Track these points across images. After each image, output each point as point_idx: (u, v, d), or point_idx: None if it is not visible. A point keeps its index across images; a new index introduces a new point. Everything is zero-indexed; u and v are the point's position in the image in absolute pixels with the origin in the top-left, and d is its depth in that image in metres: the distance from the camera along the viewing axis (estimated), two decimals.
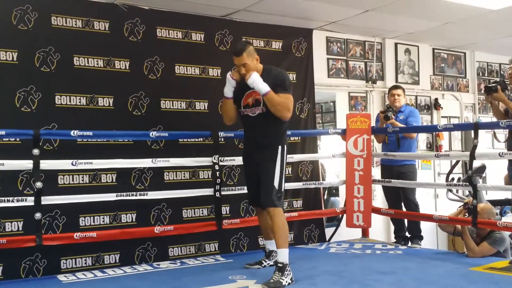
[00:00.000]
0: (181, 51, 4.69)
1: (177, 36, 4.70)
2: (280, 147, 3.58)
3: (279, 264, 3.40)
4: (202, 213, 4.67)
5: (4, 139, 3.79)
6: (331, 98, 6.36)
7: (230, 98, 3.70)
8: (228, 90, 3.69)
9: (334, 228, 5.37)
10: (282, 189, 3.57)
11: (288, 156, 4.78)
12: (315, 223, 5.26)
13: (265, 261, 3.93)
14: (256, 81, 3.45)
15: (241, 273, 3.71)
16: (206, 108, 4.81)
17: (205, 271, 3.97)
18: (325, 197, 6.54)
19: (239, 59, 3.54)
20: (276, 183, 3.51)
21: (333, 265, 4.00)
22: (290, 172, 5.12)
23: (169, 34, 4.66)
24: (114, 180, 4.31)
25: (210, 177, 4.61)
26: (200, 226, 4.45)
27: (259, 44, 5.12)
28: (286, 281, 3.34)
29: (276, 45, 5.25)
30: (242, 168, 4.02)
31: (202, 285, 3.41)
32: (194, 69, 4.76)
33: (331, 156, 5.32)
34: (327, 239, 5.29)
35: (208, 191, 4.41)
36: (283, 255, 3.42)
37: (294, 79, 5.29)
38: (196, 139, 4.59)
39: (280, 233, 3.46)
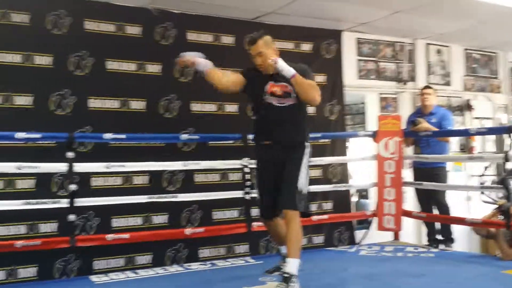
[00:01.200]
0: (211, 54, 4.66)
1: (207, 39, 4.73)
2: (307, 144, 3.36)
3: (285, 275, 3.13)
4: (232, 215, 4.69)
5: (39, 142, 3.87)
6: (361, 99, 6.32)
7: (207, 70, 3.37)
8: (204, 65, 3.36)
9: (365, 230, 5.32)
10: (305, 192, 3.27)
11: (317, 158, 4.84)
12: (345, 226, 5.22)
13: (284, 265, 3.86)
14: (282, 65, 3.18)
15: (271, 275, 3.70)
16: (236, 111, 4.83)
17: (235, 272, 3.98)
18: (356, 200, 6.50)
19: (254, 48, 3.28)
20: (300, 185, 3.24)
21: (363, 268, 3.96)
22: (320, 174, 5.10)
23: (199, 38, 4.70)
24: (146, 182, 4.36)
25: (239, 179, 4.61)
26: (230, 228, 4.46)
27: (289, 46, 5.11)
28: None
29: (306, 47, 5.24)
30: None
31: (232, 286, 3.43)
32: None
33: (361, 158, 5.27)
34: (357, 241, 5.25)
35: (237, 193, 4.42)
36: (292, 265, 3.15)
37: (324, 80, 5.26)
38: (226, 142, 4.60)
39: (293, 241, 3.19)
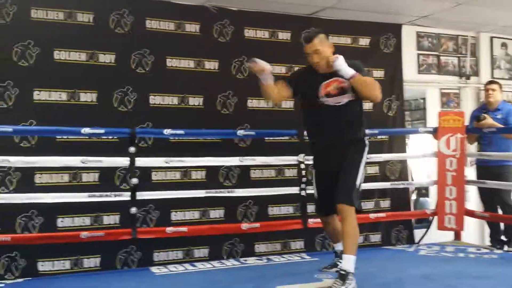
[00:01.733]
0: (268, 50, 4.73)
1: (264, 35, 4.76)
2: (366, 139, 3.33)
3: (341, 272, 3.12)
4: (288, 211, 4.70)
5: (103, 137, 4.03)
6: (421, 95, 6.16)
7: (268, 83, 3.33)
8: (267, 78, 3.31)
9: (424, 230, 5.18)
10: (360, 189, 3.26)
11: (375, 155, 4.75)
12: (404, 224, 5.11)
13: (340, 262, 3.80)
14: (342, 63, 3.16)
15: (327, 272, 3.68)
16: (292, 107, 4.83)
17: (291, 268, 3.98)
18: (415, 198, 6.34)
19: (310, 46, 3.25)
20: (358, 181, 3.23)
21: (423, 268, 3.85)
22: (377, 172, 5.02)
23: (256, 34, 4.73)
24: (203, 177, 4.44)
25: (295, 175, 4.62)
26: (286, 224, 4.48)
27: (346, 41, 5.06)
28: None
29: (364, 41, 5.16)
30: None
31: (288, 282, 3.43)
32: (281, 68, 4.78)
33: (421, 155, 5.14)
34: (416, 241, 5.13)
35: (293, 190, 4.43)
36: (348, 262, 3.13)
37: (382, 76, 5.17)
38: (282, 138, 4.61)
39: (350, 237, 3.17)
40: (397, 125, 5.25)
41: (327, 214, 3.51)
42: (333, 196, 3.26)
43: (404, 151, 5.36)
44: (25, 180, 3.86)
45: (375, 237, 4.99)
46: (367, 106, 4.96)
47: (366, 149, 3.33)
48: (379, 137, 4.95)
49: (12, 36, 3.91)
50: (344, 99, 3.26)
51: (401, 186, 5.05)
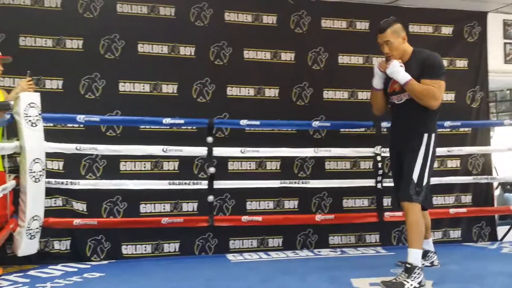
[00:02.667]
0: (345, 40, 4.68)
1: (341, 25, 4.69)
2: (426, 135, 3.24)
3: (407, 265, 3.13)
4: (363, 204, 4.64)
5: (182, 127, 4.17)
6: (507, 85, 5.83)
7: (379, 90, 3.47)
8: (378, 82, 3.45)
9: (509, 227, 4.94)
10: (423, 183, 3.20)
11: (456, 148, 4.58)
12: (486, 221, 4.89)
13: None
14: (395, 71, 3.21)
15: (402, 267, 3.61)
16: (368, 98, 4.73)
17: (366, 262, 3.95)
18: (498, 193, 6.04)
19: (382, 36, 3.28)
20: (415, 176, 3.19)
21: (505, 266, 3.69)
22: (458, 165, 4.83)
23: (333, 24, 4.67)
24: (278, 168, 4.48)
25: (371, 167, 4.55)
26: (361, 216, 4.44)
27: (427, 30, 4.88)
28: (411, 284, 3.05)
29: (446, 30, 4.95)
30: None
31: (362, 275, 3.40)
32: (358, 59, 4.71)
33: (506, 149, 4.88)
34: (499, 238, 4.90)
35: (369, 182, 4.38)
36: (413, 255, 3.13)
37: (466, 66, 4.95)
38: (358, 129, 4.55)
39: (412, 232, 3.17)
40: (481, 117, 5.01)
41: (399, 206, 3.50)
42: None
43: (488, 144, 5.11)
44: (111, 167, 4.07)
45: (455, 233, 4.81)
46: (449, 97, 4.84)
47: (425, 140, 3.24)
48: (461, 129, 4.76)
49: (100, 30, 4.12)
50: (403, 97, 3.31)
51: (484, 181, 4.84)
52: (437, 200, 4.76)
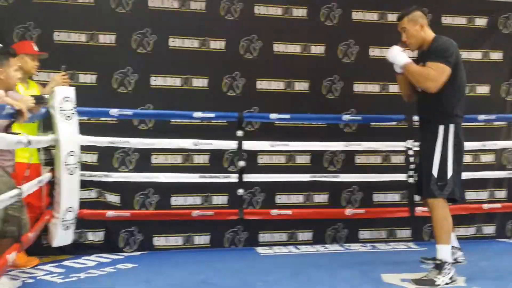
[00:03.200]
0: (376, 33, 4.61)
1: (372, 18, 4.63)
2: (441, 127, 3.17)
3: (437, 261, 3.11)
4: (394, 198, 4.58)
5: (213, 121, 4.20)
6: None
7: (399, 74, 3.39)
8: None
9: None
10: (447, 177, 3.12)
11: (491, 142, 4.48)
12: None
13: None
14: (392, 55, 3.24)
15: (426, 263, 3.57)
16: (399, 91, 4.67)
17: (397, 257, 3.92)
18: None
19: (399, 24, 3.33)
20: (435, 171, 3.13)
21: None
22: (493, 160, 4.73)
23: (364, 17, 4.62)
24: (308, 162, 4.47)
25: (402, 162, 4.49)
26: (392, 211, 4.40)
27: (461, 21, 4.77)
28: (443, 280, 3.03)
29: (480, 21, 4.82)
30: None
31: (393, 271, 3.39)
32: None
33: None
34: None
35: (400, 177, 4.32)
36: (442, 251, 3.10)
37: (501, 58, 4.83)
38: (389, 123, 4.50)
39: (438, 228, 3.13)
40: None
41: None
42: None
43: None
44: (143, 160, 4.13)
45: (489, 229, 4.71)
46: (483, 90, 4.73)
47: (441, 132, 3.17)
48: (496, 123, 4.65)
49: (132, 24, 4.17)
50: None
51: None
52: (470, 195, 4.66)
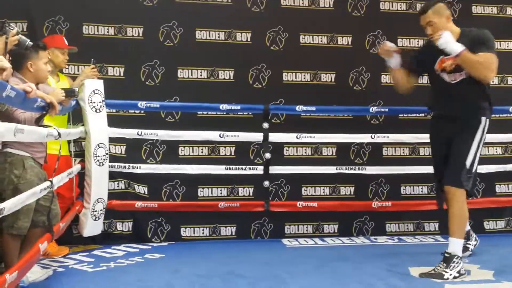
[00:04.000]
0: (403, 23, 4.54)
1: (400, 7, 4.56)
2: (483, 119, 3.15)
3: (445, 254, 3.07)
4: (422, 191, 4.53)
5: (239, 113, 4.21)
6: None
7: (396, 69, 3.43)
8: (395, 62, 3.42)
9: None
10: (473, 170, 3.12)
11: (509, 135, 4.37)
12: None
13: (468, 245, 3.62)
14: (448, 41, 3.04)
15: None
16: (427, 82, 4.59)
17: (424, 250, 3.88)
18: None
19: (423, 17, 3.20)
20: (468, 162, 3.09)
21: None
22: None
23: (392, 7, 4.55)
24: (334, 154, 4.45)
25: (431, 154, 4.42)
26: (420, 204, 4.36)
27: (491, 11, 4.66)
28: (451, 274, 3.00)
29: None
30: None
31: (420, 264, 3.35)
32: (418, 41, 4.57)
33: None
34: None
35: (428, 169, 4.24)
36: (454, 245, 3.07)
37: None
38: (417, 115, 4.44)
39: (456, 220, 3.10)
40: None
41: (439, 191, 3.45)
42: (442, 176, 3.24)
43: None
44: (170, 152, 4.18)
45: (500, 224, 4.61)
46: (496, 81, 4.60)
47: (481, 127, 3.16)
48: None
49: (159, 17, 4.20)
50: (458, 77, 3.19)
51: None
52: (500, 188, 4.59)
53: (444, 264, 3.07)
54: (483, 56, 3.05)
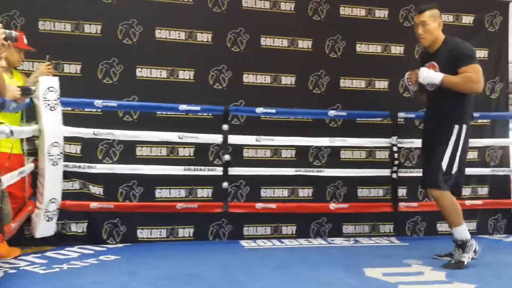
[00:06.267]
0: (364, 28, 4.62)
1: (360, 13, 4.64)
2: (457, 126, 3.33)
3: (458, 242, 3.31)
4: (378, 194, 4.62)
5: (198, 114, 4.19)
6: None
7: (417, 90, 3.66)
8: (413, 88, 3.64)
9: None
10: (452, 172, 3.33)
11: (474, 140, 4.51)
12: (502, 213, 4.83)
13: (455, 252, 3.70)
14: (425, 76, 3.32)
15: (416, 258, 3.61)
16: (386, 87, 4.70)
17: (379, 252, 3.95)
18: None
19: (420, 16, 3.40)
20: (444, 164, 3.31)
21: None
22: (476, 157, 4.78)
23: (352, 12, 4.62)
24: (293, 156, 4.48)
25: (387, 157, 4.53)
26: (375, 206, 4.43)
27: (448, 18, 4.79)
28: (469, 257, 3.26)
29: (467, 19, 4.87)
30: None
31: (376, 265, 3.40)
32: (376, 47, 4.66)
33: None
34: None
35: (384, 172, 4.36)
36: (459, 232, 3.32)
37: (486, 56, 4.88)
38: (374, 119, 4.53)
39: (449, 213, 3.34)
40: (500, 108, 4.94)
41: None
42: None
43: (506, 136, 5.04)
44: (127, 152, 4.10)
45: (471, 225, 4.73)
46: None
47: (455, 132, 3.33)
48: (480, 120, 4.67)
49: (119, 15, 4.13)
50: (435, 85, 3.37)
51: (502, 173, 4.78)
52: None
53: (461, 250, 3.29)
54: (462, 75, 3.25)
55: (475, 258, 3.32)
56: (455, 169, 3.34)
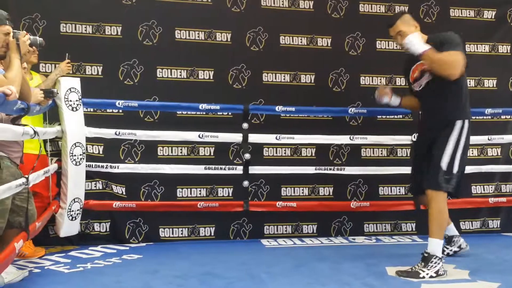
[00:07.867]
0: (382, 26, 4.55)
1: (379, 10, 4.60)
2: (459, 122, 3.18)
3: (424, 254, 3.12)
4: (399, 192, 4.58)
5: (218, 113, 4.21)
6: None
7: (400, 105, 3.71)
8: (394, 101, 3.67)
9: None
10: (454, 171, 3.13)
11: (497, 136, 4.46)
12: None
13: (447, 248, 3.63)
14: (412, 41, 3.11)
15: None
16: (406, 84, 4.64)
17: (401, 250, 3.92)
18: None
19: (393, 29, 3.32)
20: (444, 164, 3.13)
21: None
22: (499, 154, 4.71)
23: (371, 9, 4.59)
24: (313, 154, 4.47)
25: (408, 155, 4.49)
26: (397, 204, 4.40)
27: (469, 14, 4.73)
28: (427, 273, 3.03)
29: (488, 14, 4.79)
30: None
31: (397, 264, 3.37)
32: (396, 44, 4.61)
33: None
34: None
35: (406, 170, 4.29)
36: (433, 245, 3.10)
37: (508, 51, 4.79)
38: (395, 116, 4.48)
39: (435, 221, 3.13)
40: None
41: (418, 194, 3.57)
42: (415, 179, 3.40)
43: None
44: (149, 152, 4.15)
45: (494, 223, 4.69)
46: (490, 84, 4.70)
47: (457, 128, 3.18)
48: (503, 117, 4.60)
49: (137, 16, 4.17)
50: (423, 81, 3.30)
51: None
52: (476, 189, 4.67)
53: (422, 264, 3.10)
54: (447, 54, 3.09)
55: (434, 277, 3.04)
56: (456, 168, 3.16)
